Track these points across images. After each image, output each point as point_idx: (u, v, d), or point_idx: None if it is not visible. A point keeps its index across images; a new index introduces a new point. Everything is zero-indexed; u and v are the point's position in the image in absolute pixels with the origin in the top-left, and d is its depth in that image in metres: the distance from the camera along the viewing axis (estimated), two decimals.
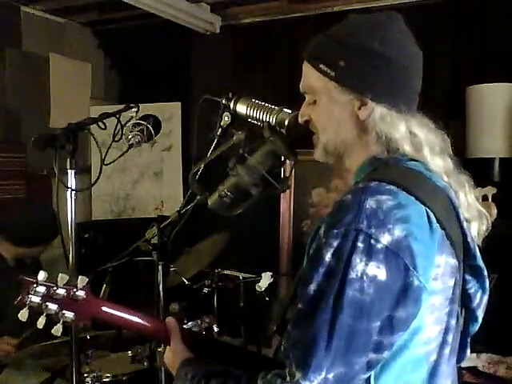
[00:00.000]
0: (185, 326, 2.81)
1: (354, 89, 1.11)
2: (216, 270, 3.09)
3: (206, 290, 3.03)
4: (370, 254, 0.96)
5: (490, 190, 2.14)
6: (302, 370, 0.95)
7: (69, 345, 1.82)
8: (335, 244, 0.97)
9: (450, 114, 3.42)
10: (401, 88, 1.13)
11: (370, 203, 0.98)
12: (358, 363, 0.96)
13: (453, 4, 3.55)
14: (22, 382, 2.62)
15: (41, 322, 1.16)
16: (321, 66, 1.13)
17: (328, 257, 0.98)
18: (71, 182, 1.80)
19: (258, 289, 2.79)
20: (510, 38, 3.34)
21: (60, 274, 1.16)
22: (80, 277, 1.19)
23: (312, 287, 0.98)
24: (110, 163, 1.92)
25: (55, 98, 4.16)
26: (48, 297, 1.15)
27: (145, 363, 2.58)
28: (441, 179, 1.12)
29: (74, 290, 1.17)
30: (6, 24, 3.88)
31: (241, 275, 3.08)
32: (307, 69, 1.18)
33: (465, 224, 1.11)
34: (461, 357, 1.19)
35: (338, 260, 0.97)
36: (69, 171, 1.80)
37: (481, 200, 2.13)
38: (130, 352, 2.64)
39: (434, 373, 1.07)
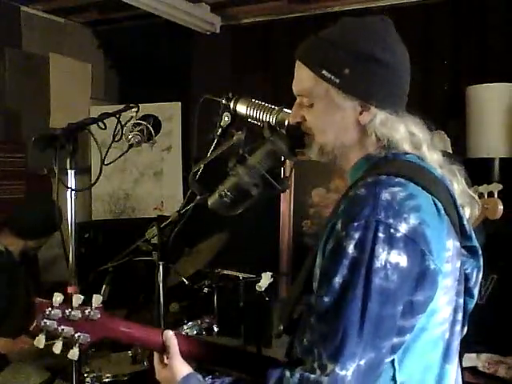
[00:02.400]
0: (184, 327, 2.81)
1: (358, 95, 1.14)
2: (216, 270, 3.09)
3: (206, 290, 3.03)
4: (391, 242, 1.01)
5: (496, 187, 2.15)
6: (337, 360, 0.98)
7: None
8: (357, 236, 1.01)
9: (450, 113, 3.42)
10: (400, 93, 1.18)
11: (385, 195, 1.03)
12: (385, 347, 1.02)
13: (453, 4, 3.54)
14: (22, 382, 2.62)
15: (58, 347, 1.11)
16: (323, 72, 1.14)
17: (351, 248, 1.01)
18: (71, 182, 1.80)
19: (258, 289, 2.79)
20: (510, 38, 3.33)
21: (75, 295, 1.13)
22: (95, 296, 1.15)
23: (337, 280, 1.01)
24: (110, 163, 1.92)
25: (55, 98, 4.16)
26: (63, 320, 1.11)
27: (145, 363, 2.58)
28: (436, 169, 1.17)
29: (89, 310, 1.13)
30: (6, 24, 3.88)
31: (241, 275, 3.08)
32: (305, 72, 1.18)
33: (460, 209, 1.16)
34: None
35: (362, 251, 1.01)
36: (69, 171, 1.80)
37: (487, 196, 2.13)
38: (129, 352, 2.65)
39: (448, 349, 1.14)
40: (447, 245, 1.09)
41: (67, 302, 1.14)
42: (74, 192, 1.80)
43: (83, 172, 3.32)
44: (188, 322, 2.86)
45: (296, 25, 3.94)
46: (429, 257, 1.04)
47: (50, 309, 1.10)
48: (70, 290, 1.76)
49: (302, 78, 1.19)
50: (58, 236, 1.81)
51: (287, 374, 1.03)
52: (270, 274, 2.81)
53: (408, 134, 1.15)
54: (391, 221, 1.01)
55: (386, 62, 1.13)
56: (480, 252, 1.21)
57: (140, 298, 3.39)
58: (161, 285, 1.77)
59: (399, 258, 1.01)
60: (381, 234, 1.01)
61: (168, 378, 1.21)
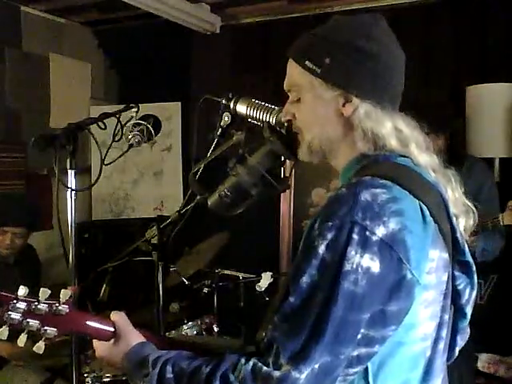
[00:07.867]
0: (184, 327, 2.81)
1: (339, 85, 1.11)
2: (216, 270, 3.09)
3: (206, 290, 3.03)
4: (365, 246, 0.95)
5: None
6: (294, 362, 0.94)
7: (69, 345, 1.82)
8: (329, 236, 0.96)
9: (450, 113, 3.41)
10: (385, 85, 1.13)
11: (365, 196, 0.97)
12: (345, 354, 0.96)
13: (453, 4, 3.54)
14: (22, 381, 2.62)
15: (22, 340, 1.10)
16: (306, 62, 1.14)
17: (322, 249, 0.96)
18: (71, 182, 1.80)
19: (258, 289, 2.79)
20: (510, 38, 3.34)
21: (42, 289, 1.11)
22: (63, 290, 1.14)
23: (305, 279, 0.97)
24: (110, 163, 1.91)
25: (55, 98, 4.16)
26: (29, 313, 1.09)
27: None
28: (429, 174, 1.12)
29: (57, 304, 1.12)
30: (6, 24, 3.88)
31: (241, 275, 3.08)
32: (292, 66, 1.19)
33: (454, 219, 1.10)
34: (450, 355, 1.19)
35: (333, 252, 0.96)
36: (69, 171, 1.80)
37: None
38: None
39: (429, 368, 1.07)
40: (430, 255, 1.02)
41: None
42: (73, 192, 1.80)
43: (83, 172, 3.32)
44: (188, 322, 2.86)
45: (296, 25, 3.93)
46: (406, 266, 0.97)
47: (14, 301, 1.08)
48: (69, 290, 1.75)
49: (290, 72, 1.19)
50: (59, 237, 1.81)
51: (242, 360, 1.00)
52: (270, 273, 2.81)
53: (394, 129, 1.11)
54: (368, 223, 0.95)
55: (369, 52, 1.10)
56: (474, 268, 1.14)
57: (140, 298, 3.39)
58: (160, 285, 1.77)
59: (371, 263, 0.95)
60: (355, 236, 0.95)
61: (118, 350, 1.15)
